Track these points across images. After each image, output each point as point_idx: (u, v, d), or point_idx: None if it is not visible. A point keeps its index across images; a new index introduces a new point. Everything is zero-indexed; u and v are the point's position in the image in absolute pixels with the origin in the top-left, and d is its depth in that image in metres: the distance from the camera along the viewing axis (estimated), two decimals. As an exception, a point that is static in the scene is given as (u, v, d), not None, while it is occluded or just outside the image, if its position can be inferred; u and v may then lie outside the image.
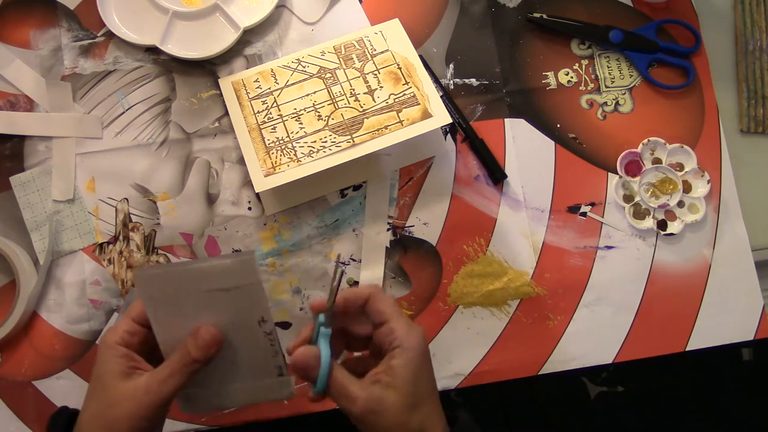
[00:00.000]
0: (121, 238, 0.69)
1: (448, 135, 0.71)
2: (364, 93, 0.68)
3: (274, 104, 0.68)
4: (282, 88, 0.69)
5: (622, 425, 1.25)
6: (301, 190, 0.69)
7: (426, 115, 0.66)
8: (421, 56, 0.70)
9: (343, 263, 0.67)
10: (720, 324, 0.68)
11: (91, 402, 0.48)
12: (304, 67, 0.70)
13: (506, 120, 0.71)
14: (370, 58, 0.70)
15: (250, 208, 0.69)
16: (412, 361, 0.48)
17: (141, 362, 0.49)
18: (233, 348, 0.50)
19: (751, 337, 0.68)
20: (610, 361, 0.67)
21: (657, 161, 0.70)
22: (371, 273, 0.68)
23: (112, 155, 0.70)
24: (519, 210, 0.70)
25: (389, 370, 0.48)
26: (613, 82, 0.72)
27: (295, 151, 0.66)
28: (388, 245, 0.69)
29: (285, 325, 0.68)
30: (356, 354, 0.55)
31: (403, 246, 0.69)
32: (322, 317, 0.49)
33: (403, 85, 0.68)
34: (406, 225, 0.69)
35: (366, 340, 0.52)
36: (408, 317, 0.51)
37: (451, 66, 0.72)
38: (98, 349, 0.50)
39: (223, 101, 0.70)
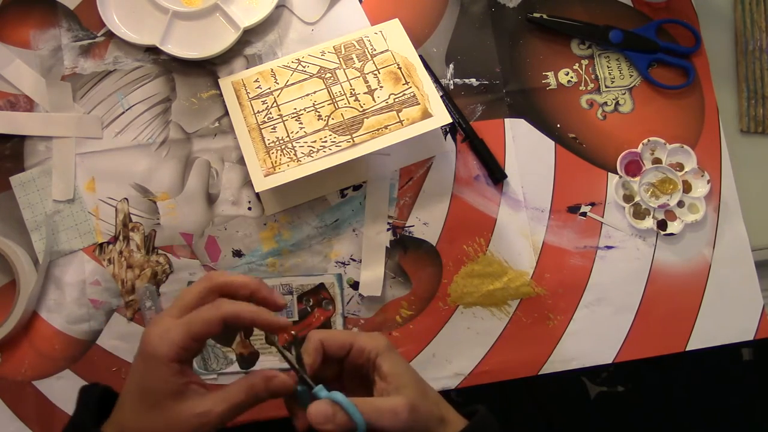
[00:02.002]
0: (121, 238, 0.69)
1: (448, 135, 0.71)
2: (364, 93, 0.68)
3: (274, 104, 0.68)
4: (282, 88, 0.69)
5: (622, 425, 1.25)
6: (301, 190, 0.69)
7: (426, 115, 0.66)
8: (421, 56, 0.70)
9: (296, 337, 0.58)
10: (720, 324, 0.68)
11: (139, 413, 0.45)
12: (304, 67, 0.70)
13: (506, 120, 0.71)
14: (370, 58, 0.70)
15: (250, 208, 0.69)
16: (394, 358, 0.49)
17: (192, 375, 0.46)
18: None
19: (751, 337, 0.68)
20: (610, 361, 0.67)
21: (657, 161, 0.70)
22: (371, 273, 0.68)
23: (112, 155, 0.70)
24: (519, 210, 0.70)
25: (386, 377, 0.48)
26: (613, 82, 0.72)
27: (295, 151, 0.66)
28: (388, 245, 0.69)
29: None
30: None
31: (403, 246, 0.69)
32: (300, 387, 0.48)
33: (403, 85, 0.68)
34: (406, 225, 0.69)
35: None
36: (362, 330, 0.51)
37: (451, 66, 0.72)
38: (146, 358, 0.45)
39: (223, 101, 0.70)
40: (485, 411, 0.51)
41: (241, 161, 0.69)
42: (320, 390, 0.47)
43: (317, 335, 0.49)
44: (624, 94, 0.72)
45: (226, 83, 0.70)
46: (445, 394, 0.67)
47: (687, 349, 0.68)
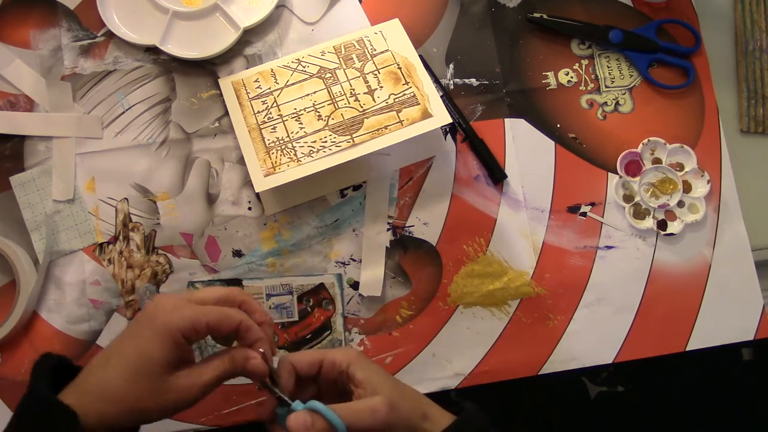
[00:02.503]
0: (121, 238, 0.69)
1: (448, 135, 0.71)
2: (364, 93, 0.68)
3: (274, 104, 0.68)
4: (282, 88, 0.69)
5: (622, 425, 1.25)
6: (301, 190, 0.69)
7: (426, 115, 0.66)
8: (421, 56, 0.70)
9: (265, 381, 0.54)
10: (720, 324, 0.68)
11: (130, 379, 0.46)
12: (304, 67, 0.70)
13: (506, 120, 0.71)
14: (370, 58, 0.70)
15: (250, 208, 0.69)
16: (366, 364, 0.51)
17: (190, 353, 0.49)
18: None
19: (751, 337, 0.68)
20: (610, 361, 0.67)
21: (657, 161, 0.70)
22: (371, 273, 0.68)
23: (112, 155, 0.70)
24: (519, 210, 0.70)
25: (361, 383, 0.50)
26: (613, 82, 0.72)
27: (295, 151, 0.66)
28: (388, 245, 0.69)
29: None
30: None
31: (403, 246, 0.69)
32: (279, 410, 0.49)
33: (403, 85, 0.68)
34: (406, 225, 0.69)
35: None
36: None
37: (451, 66, 0.72)
38: (155, 326, 0.46)
39: (223, 101, 0.70)
40: (473, 407, 0.51)
41: (241, 161, 0.69)
42: (297, 404, 0.48)
43: (287, 358, 0.51)
44: (624, 94, 0.72)
45: (226, 83, 0.70)
46: (445, 394, 0.67)
47: (687, 349, 0.68)
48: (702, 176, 0.70)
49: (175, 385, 0.47)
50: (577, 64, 0.73)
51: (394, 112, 0.67)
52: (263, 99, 0.69)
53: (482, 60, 0.73)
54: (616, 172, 0.70)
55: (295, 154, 0.66)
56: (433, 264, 0.69)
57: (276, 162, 0.65)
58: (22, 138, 0.71)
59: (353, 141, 0.65)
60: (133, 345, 0.47)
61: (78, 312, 0.68)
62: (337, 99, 0.68)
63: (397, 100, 0.67)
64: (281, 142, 0.66)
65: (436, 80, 0.71)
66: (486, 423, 0.51)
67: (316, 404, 0.47)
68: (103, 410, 0.45)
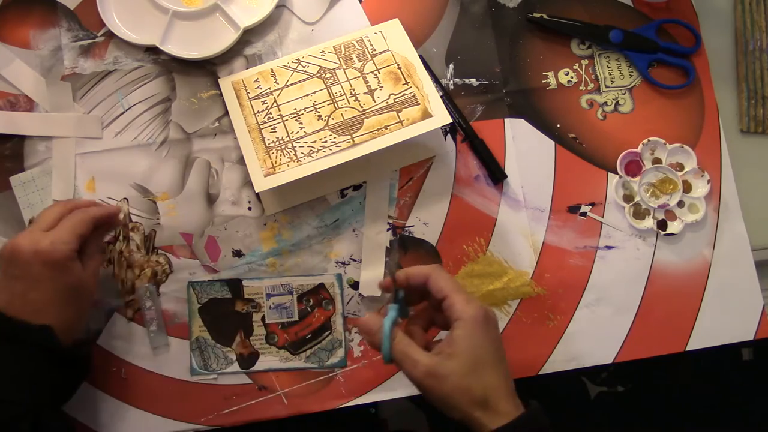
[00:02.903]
0: (121, 238, 0.69)
1: (448, 135, 0.71)
2: (364, 93, 0.68)
3: (274, 104, 0.68)
4: (282, 88, 0.69)
5: (622, 425, 1.24)
6: (301, 190, 0.69)
7: (426, 115, 0.66)
8: (421, 56, 0.70)
9: (401, 238, 0.66)
10: (720, 324, 0.68)
11: (68, 309, 0.58)
12: (304, 67, 0.70)
13: (506, 120, 0.71)
14: (370, 58, 0.70)
15: (250, 208, 0.69)
16: (471, 331, 0.52)
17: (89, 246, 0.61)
18: None
19: (751, 337, 0.68)
20: (610, 361, 0.67)
21: (657, 161, 0.71)
22: (371, 273, 0.68)
23: (112, 155, 0.70)
24: (519, 210, 0.70)
25: (450, 342, 0.52)
26: (613, 82, 0.72)
27: (295, 151, 0.66)
28: (388, 245, 0.69)
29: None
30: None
31: (403, 246, 0.69)
32: (392, 311, 0.55)
33: (403, 85, 0.68)
34: (406, 225, 0.69)
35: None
36: (468, 292, 0.54)
37: (451, 66, 0.72)
38: (52, 264, 0.56)
39: (223, 101, 0.70)
40: (537, 408, 0.53)
41: (241, 161, 0.69)
42: (391, 308, 0.55)
43: (431, 274, 0.55)
44: (624, 94, 0.72)
45: (226, 83, 0.70)
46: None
47: (687, 349, 0.68)
48: (702, 176, 0.70)
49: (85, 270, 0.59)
50: (577, 64, 0.73)
51: (394, 112, 0.67)
52: (263, 99, 0.69)
53: (482, 60, 0.73)
54: (616, 172, 0.70)
55: (295, 154, 0.66)
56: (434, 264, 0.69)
57: (276, 162, 0.65)
58: (22, 138, 0.71)
59: (353, 141, 0.65)
60: (51, 287, 0.57)
61: (78, 312, 0.68)
62: (337, 99, 0.68)
63: (397, 100, 0.67)
64: (281, 142, 0.66)
65: (436, 80, 0.71)
66: (547, 426, 0.52)
67: (387, 323, 0.53)
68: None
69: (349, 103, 0.68)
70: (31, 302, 0.55)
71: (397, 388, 0.66)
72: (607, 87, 0.72)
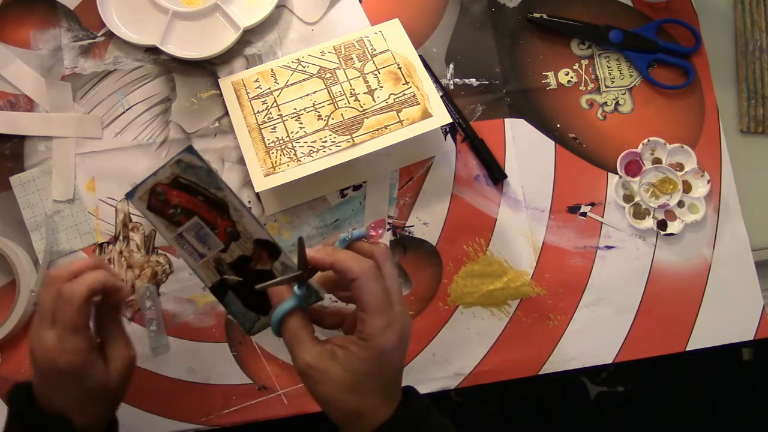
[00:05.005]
0: (121, 238, 0.69)
1: (448, 135, 0.71)
2: (364, 93, 0.68)
3: (274, 104, 0.68)
4: (282, 88, 0.69)
5: (622, 425, 1.25)
6: (301, 190, 0.69)
7: (426, 114, 0.66)
8: (421, 56, 0.70)
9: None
10: (720, 324, 0.68)
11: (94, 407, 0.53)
12: (304, 67, 0.70)
13: (506, 120, 0.71)
14: (370, 58, 0.70)
15: (250, 208, 0.69)
16: (371, 357, 0.47)
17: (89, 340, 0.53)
18: None
19: (751, 337, 0.68)
20: (610, 361, 0.67)
21: (657, 161, 0.71)
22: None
23: (112, 155, 0.70)
24: (519, 210, 0.70)
25: (347, 351, 0.48)
26: (613, 82, 0.72)
27: (295, 150, 0.66)
28: (388, 245, 0.69)
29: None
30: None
31: (403, 246, 0.69)
32: (297, 289, 0.50)
33: (403, 85, 0.68)
34: (406, 225, 0.69)
35: None
36: (393, 312, 0.48)
37: (451, 66, 0.72)
38: (64, 375, 0.51)
39: (223, 101, 0.70)
40: (413, 397, 0.50)
41: (241, 161, 0.69)
42: (297, 287, 0.50)
43: (359, 283, 0.48)
44: (624, 94, 0.72)
45: (226, 83, 0.70)
46: (445, 394, 0.67)
47: (687, 349, 0.68)
48: (702, 176, 0.70)
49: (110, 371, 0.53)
50: (577, 64, 0.73)
51: (394, 112, 0.67)
52: (263, 99, 0.69)
53: (482, 60, 0.73)
54: (616, 172, 0.70)
55: (295, 154, 0.66)
56: (433, 264, 0.69)
57: (276, 162, 0.65)
58: (22, 138, 0.71)
59: (353, 141, 0.65)
60: (77, 391, 0.52)
61: (78, 312, 0.68)
62: (337, 99, 0.68)
63: (397, 100, 0.67)
64: (281, 142, 0.66)
65: (436, 80, 0.71)
66: (421, 415, 0.49)
67: (291, 299, 0.49)
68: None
69: (349, 103, 0.68)
70: (57, 403, 0.52)
71: (397, 388, 0.66)
72: (607, 87, 0.72)
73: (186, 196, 0.52)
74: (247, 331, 0.53)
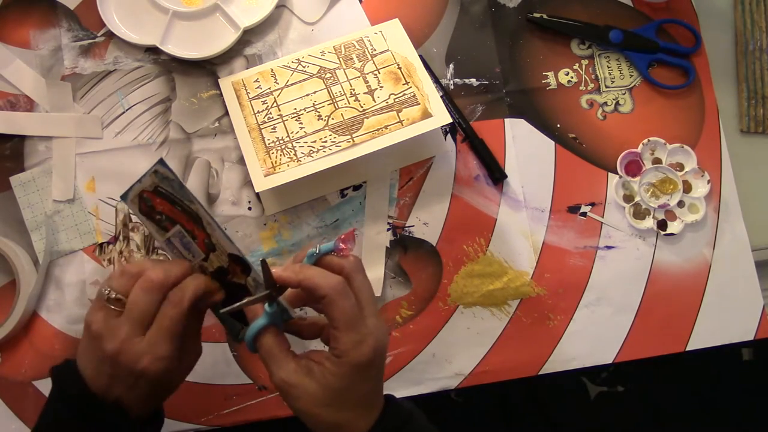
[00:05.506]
0: (121, 238, 0.69)
1: (448, 135, 0.71)
2: (364, 93, 0.68)
3: (274, 104, 0.68)
4: (282, 88, 0.69)
5: (622, 425, 1.25)
6: (301, 190, 0.69)
7: (426, 114, 0.66)
8: (421, 56, 0.70)
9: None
10: (720, 324, 0.68)
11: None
12: (304, 67, 0.70)
13: (506, 120, 0.71)
14: (370, 58, 0.70)
15: (250, 208, 0.69)
16: (347, 375, 0.47)
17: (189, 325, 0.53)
18: None
19: (751, 337, 0.68)
20: (610, 361, 0.67)
21: (657, 161, 0.71)
22: (371, 273, 0.68)
23: (112, 155, 0.70)
24: (519, 210, 0.70)
25: (323, 367, 0.48)
26: (613, 82, 0.72)
27: (295, 150, 0.66)
28: (388, 245, 0.69)
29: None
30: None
31: (403, 246, 0.69)
32: (267, 307, 0.50)
33: (403, 85, 0.68)
34: (406, 225, 0.69)
35: None
36: (365, 327, 0.48)
37: (451, 66, 0.72)
38: (158, 384, 0.51)
39: (223, 101, 0.70)
40: (394, 407, 0.50)
41: (241, 161, 0.69)
42: (268, 305, 0.50)
43: (329, 300, 0.48)
44: (624, 94, 0.72)
45: (226, 83, 0.70)
46: (445, 394, 0.67)
47: (687, 349, 0.68)
48: (702, 176, 0.70)
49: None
50: (577, 64, 0.73)
51: (394, 112, 0.67)
52: (263, 99, 0.69)
53: (482, 60, 0.73)
54: (616, 172, 0.70)
55: (295, 154, 0.66)
56: (433, 264, 0.69)
57: (276, 162, 0.65)
58: (22, 138, 0.71)
59: (353, 141, 0.65)
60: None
61: (78, 312, 0.68)
62: (337, 99, 0.68)
63: (397, 100, 0.67)
64: (281, 142, 0.66)
65: (436, 80, 0.71)
66: (400, 423, 0.49)
67: (263, 317, 0.49)
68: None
69: (349, 103, 0.68)
70: (118, 393, 0.50)
71: (397, 388, 0.66)
72: (607, 87, 0.72)
73: (168, 205, 0.52)
74: (234, 338, 0.54)
